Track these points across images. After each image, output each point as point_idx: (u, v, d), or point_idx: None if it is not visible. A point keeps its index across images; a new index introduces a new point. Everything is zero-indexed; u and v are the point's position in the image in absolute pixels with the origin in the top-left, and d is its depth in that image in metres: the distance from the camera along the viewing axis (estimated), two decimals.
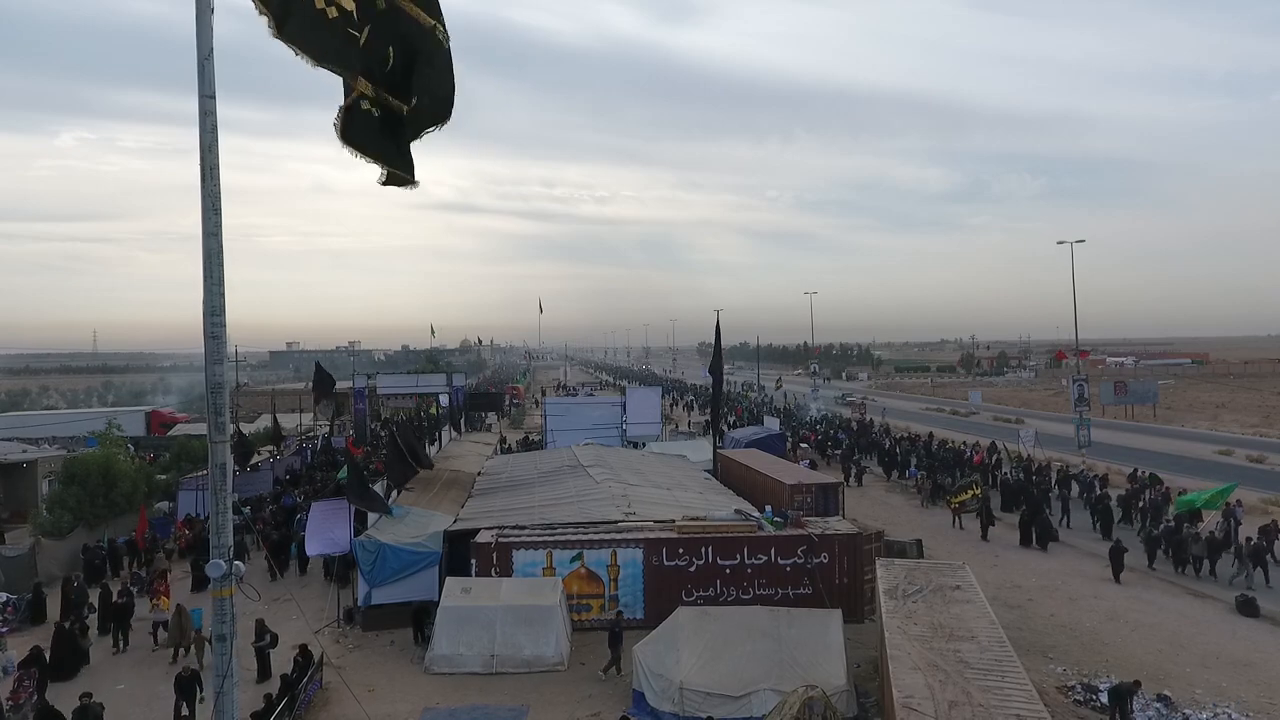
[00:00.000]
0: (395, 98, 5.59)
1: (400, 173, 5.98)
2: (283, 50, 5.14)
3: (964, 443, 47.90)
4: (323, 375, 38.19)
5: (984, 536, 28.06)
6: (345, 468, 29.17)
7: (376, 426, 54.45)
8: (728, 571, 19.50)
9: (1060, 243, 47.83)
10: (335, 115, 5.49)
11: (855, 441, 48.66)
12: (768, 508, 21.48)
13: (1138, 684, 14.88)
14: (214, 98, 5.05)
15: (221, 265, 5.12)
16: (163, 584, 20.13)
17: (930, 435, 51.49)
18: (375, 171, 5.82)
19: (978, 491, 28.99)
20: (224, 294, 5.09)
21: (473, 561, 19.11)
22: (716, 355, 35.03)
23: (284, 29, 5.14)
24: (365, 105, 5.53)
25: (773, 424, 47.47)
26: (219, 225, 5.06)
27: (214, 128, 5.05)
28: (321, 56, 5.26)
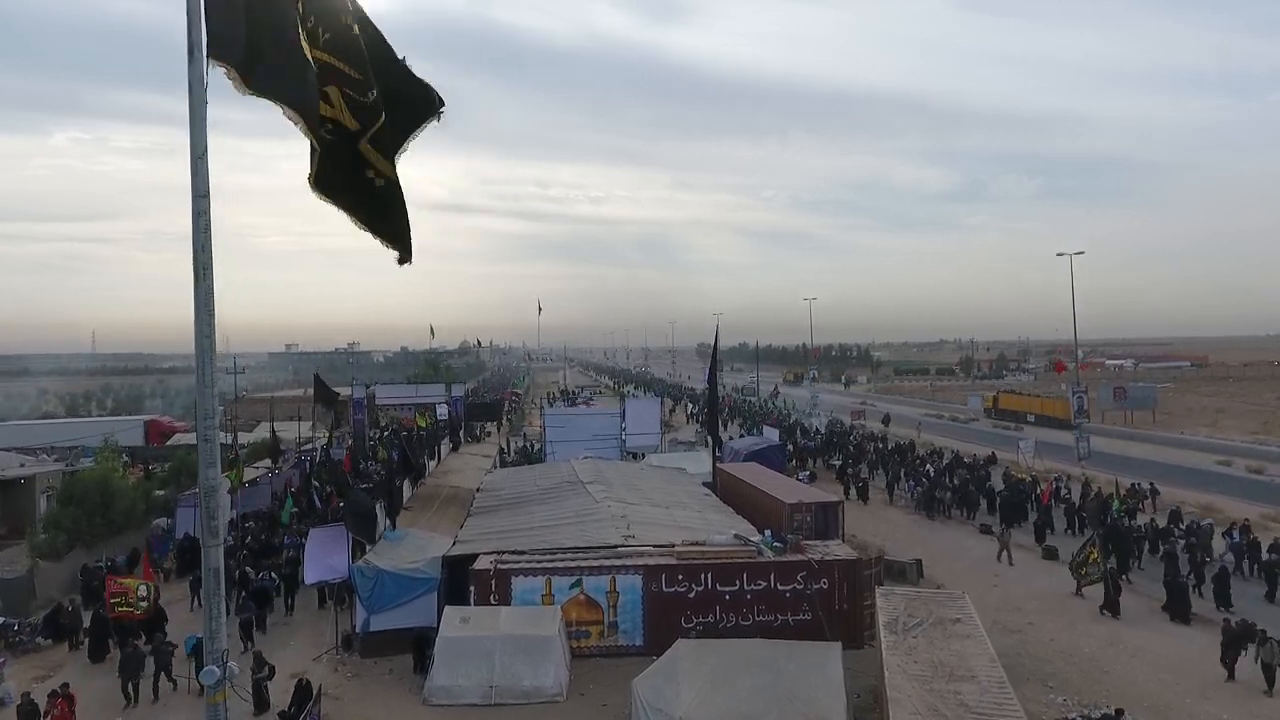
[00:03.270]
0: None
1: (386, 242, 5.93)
2: None
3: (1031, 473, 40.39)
4: (324, 389, 38.22)
5: (1111, 611, 21.95)
6: (289, 506, 28.50)
7: (375, 434, 54.40)
8: (727, 598, 19.45)
9: (1060, 254, 47.86)
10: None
11: (890, 465, 43.06)
12: (767, 531, 21.43)
13: (1120, 713, 14.91)
14: (208, 196, 4.97)
15: (213, 362, 5.07)
16: (61, 706, 15.61)
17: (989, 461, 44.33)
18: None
19: (1095, 555, 23.23)
20: (215, 395, 5.04)
21: (471, 589, 19.06)
22: (713, 369, 34.92)
23: (252, 81, 5.14)
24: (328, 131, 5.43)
25: (772, 434, 47.42)
26: (213, 326, 5.00)
27: (208, 227, 4.98)
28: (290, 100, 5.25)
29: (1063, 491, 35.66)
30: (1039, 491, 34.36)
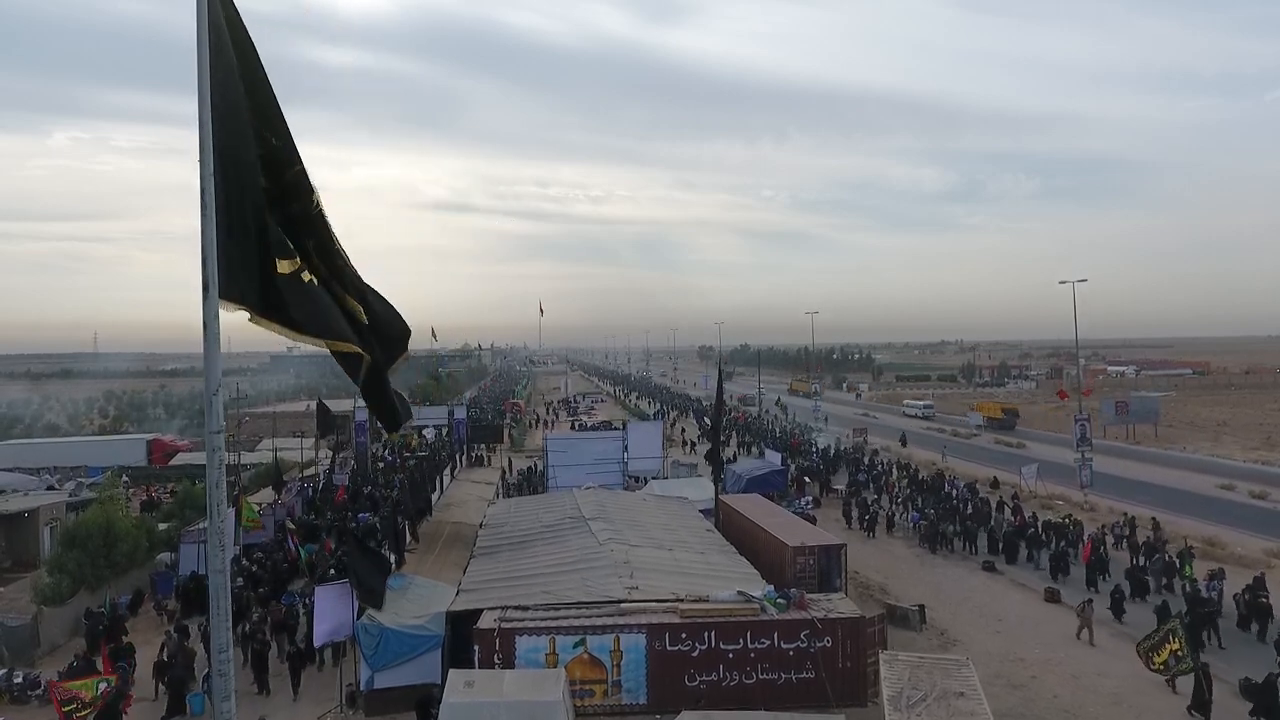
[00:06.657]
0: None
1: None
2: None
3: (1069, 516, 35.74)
4: (326, 415, 38.25)
5: (1202, 713, 18.23)
6: (305, 550, 28.38)
7: (378, 449, 54.31)
8: (730, 656, 19.47)
9: (1062, 283, 48.31)
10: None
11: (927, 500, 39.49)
12: (770, 587, 21.45)
13: None
14: (222, 433, 5.01)
15: (225, 558, 5.11)
16: None
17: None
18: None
19: (1179, 646, 18.55)
20: (226, 567, 5.07)
21: (475, 648, 19.09)
22: (718, 401, 34.88)
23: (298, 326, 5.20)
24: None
25: (774, 457, 47.43)
26: (224, 524, 5.04)
27: (222, 463, 5.01)
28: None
29: (1110, 541, 31.87)
30: (1084, 540, 31.29)
